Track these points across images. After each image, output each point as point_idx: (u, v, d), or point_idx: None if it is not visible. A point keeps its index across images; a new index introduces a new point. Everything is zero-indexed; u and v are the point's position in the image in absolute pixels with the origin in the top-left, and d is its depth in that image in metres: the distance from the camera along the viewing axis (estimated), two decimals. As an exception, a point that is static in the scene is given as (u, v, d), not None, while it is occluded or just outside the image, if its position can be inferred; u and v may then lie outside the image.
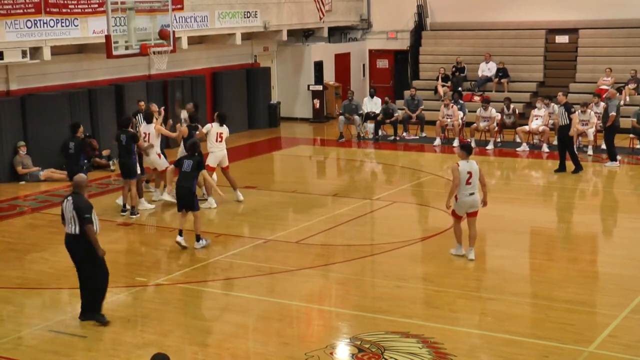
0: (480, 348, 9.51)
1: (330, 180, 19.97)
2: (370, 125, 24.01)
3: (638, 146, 20.67)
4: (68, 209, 10.10)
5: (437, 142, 22.64)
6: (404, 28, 28.87)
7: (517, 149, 21.57)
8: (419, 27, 28.48)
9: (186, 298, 11.41)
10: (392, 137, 23.48)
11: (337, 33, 29.87)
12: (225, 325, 10.38)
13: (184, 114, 18.47)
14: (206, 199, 16.07)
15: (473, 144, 22.00)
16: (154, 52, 18.74)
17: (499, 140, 22.46)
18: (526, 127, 21.99)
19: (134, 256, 13.49)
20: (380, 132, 23.75)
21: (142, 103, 19.14)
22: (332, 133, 24.85)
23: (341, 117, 23.89)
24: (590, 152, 20.58)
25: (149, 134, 16.37)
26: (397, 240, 13.72)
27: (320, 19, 27.53)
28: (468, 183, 12.38)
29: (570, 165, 18.60)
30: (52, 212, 16.14)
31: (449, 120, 22.76)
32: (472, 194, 12.47)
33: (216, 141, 16.18)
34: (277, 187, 18.15)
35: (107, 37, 17.52)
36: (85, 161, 16.13)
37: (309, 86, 27.48)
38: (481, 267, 12.62)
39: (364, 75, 29.30)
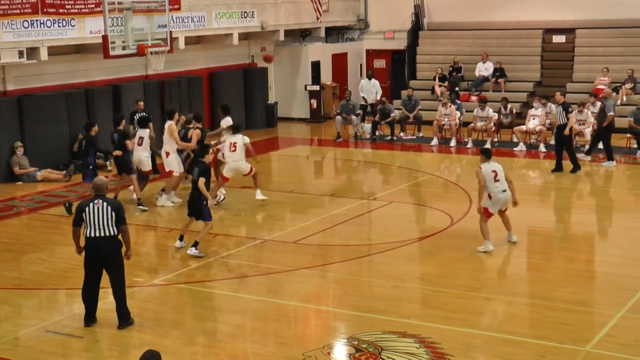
0: (477, 348, 9.52)
1: (327, 180, 19.98)
2: (367, 126, 24.02)
3: (635, 146, 20.67)
4: (100, 212, 9.93)
5: (435, 142, 22.64)
6: (401, 28, 28.88)
7: (515, 149, 21.59)
8: (416, 27, 28.49)
9: (184, 298, 11.41)
10: (389, 137, 23.49)
11: (334, 33, 29.86)
12: (223, 325, 10.37)
13: (224, 122, 17.35)
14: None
15: (470, 144, 22.05)
16: (151, 53, 18.75)
17: (496, 140, 22.46)
18: (523, 127, 21.99)
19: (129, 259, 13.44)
20: (377, 132, 23.74)
21: (142, 103, 19.20)
22: (329, 133, 24.85)
23: (338, 117, 23.89)
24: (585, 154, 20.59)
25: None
26: (394, 240, 13.72)
27: (318, 19, 27.52)
28: (496, 180, 12.83)
29: (567, 164, 18.60)
30: (49, 212, 16.15)
31: (446, 120, 22.77)
32: (504, 190, 12.89)
33: (229, 151, 15.96)
34: (274, 187, 18.13)
35: (104, 37, 17.52)
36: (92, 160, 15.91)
37: (306, 86, 27.48)
38: (479, 267, 12.63)
39: (361, 75, 29.28)
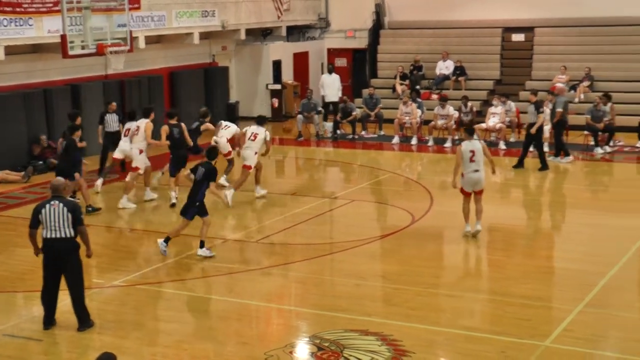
0: (439, 344, 9.58)
1: (288, 179, 19.96)
2: (329, 124, 24.05)
3: (592, 143, 20.94)
4: (56, 213, 9.81)
5: (396, 140, 22.73)
6: (362, 27, 28.96)
7: (444, 146, 21.74)
8: (377, 26, 28.60)
9: (144, 299, 11.32)
10: (351, 136, 23.54)
11: (296, 32, 29.86)
12: (184, 325, 10.31)
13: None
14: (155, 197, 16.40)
15: (431, 142, 22.17)
16: (110, 52, 18.61)
17: (456, 138, 22.60)
18: (483, 125, 22.16)
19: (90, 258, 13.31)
20: (338, 131, 23.79)
21: (114, 104, 19.21)
22: (290, 132, 24.83)
23: (300, 116, 23.89)
24: (545, 148, 20.80)
25: (139, 127, 16.42)
26: (356, 238, 13.75)
27: (279, 18, 27.50)
28: (472, 161, 13.33)
29: (529, 162, 18.80)
30: (7, 214, 15.93)
31: (407, 118, 22.87)
32: (476, 170, 13.39)
33: (249, 139, 16.39)
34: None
35: (63, 37, 17.37)
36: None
37: (267, 85, 27.44)
38: (439, 264, 12.72)
39: (322, 73, 29.29)
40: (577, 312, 10.32)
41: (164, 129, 16.12)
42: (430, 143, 22.21)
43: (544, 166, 18.78)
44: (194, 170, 12.94)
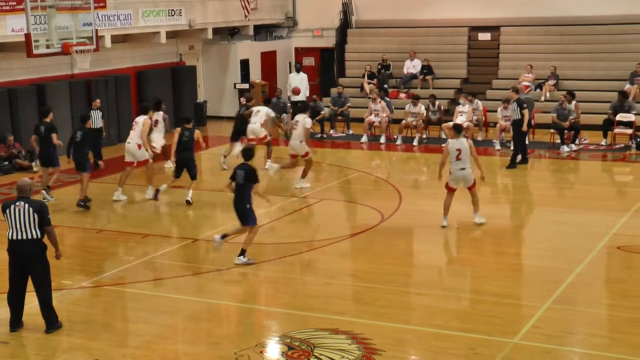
0: (409, 342, 9.62)
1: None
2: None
3: (558, 141, 21.15)
4: (21, 214, 9.70)
5: (364, 139, 22.77)
6: (330, 26, 28.98)
7: (443, 145, 21.75)
8: (345, 25, 28.63)
9: (113, 300, 11.24)
10: (319, 135, 23.54)
11: (263, 31, 29.79)
12: (153, 326, 10.24)
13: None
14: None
15: (399, 141, 22.24)
16: (76, 51, 18.43)
17: (424, 136, 22.73)
18: (450, 124, 22.24)
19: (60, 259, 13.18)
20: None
21: (98, 101, 19.76)
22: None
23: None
24: (512, 147, 20.99)
25: (137, 123, 16.67)
26: (326, 237, 13.77)
27: (246, 17, 27.42)
28: (458, 159, 13.74)
29: (503, 161, 19.01)
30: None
31: (375, 117, 22.87)
32: (462, 168, 13.80)
33: (292, 128, 17.32)
34: (204, 186, 18.00)
35: (27, 36, 17.18)
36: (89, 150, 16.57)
37: (235, 84, 27.36)
38: (409, 262, 12.77)
39: (290, 73, 29.28)
40: (545, 309, 10.42)
41: (177, 131, 16.40)
42: (399, 142, 22.28)
43: (524, 160, 19.16)
44: (233, 177, 12.57)
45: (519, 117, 18.96)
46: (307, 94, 24.84)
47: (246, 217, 12.49)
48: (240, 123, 19.18)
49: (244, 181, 12.38)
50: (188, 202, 16.12)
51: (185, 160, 16.26)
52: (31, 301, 10.14)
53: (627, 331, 9.74)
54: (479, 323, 10.00)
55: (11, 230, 9.77)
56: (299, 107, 17.73)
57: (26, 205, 9.75)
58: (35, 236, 9.74)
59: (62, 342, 9.71)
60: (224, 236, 12.66)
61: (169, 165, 18.63)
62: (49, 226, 9.85)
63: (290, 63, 29.75)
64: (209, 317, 10.53)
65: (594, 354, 9.14)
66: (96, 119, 19.06)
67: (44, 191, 16.35)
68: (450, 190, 14.10)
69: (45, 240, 9.88)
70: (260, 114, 18.80)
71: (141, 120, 16.75)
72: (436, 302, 10.85)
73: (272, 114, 19.02)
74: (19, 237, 9.73)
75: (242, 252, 12.46)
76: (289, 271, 12.35)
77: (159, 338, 9.82)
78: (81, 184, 16.07)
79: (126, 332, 10.11)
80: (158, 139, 18.66)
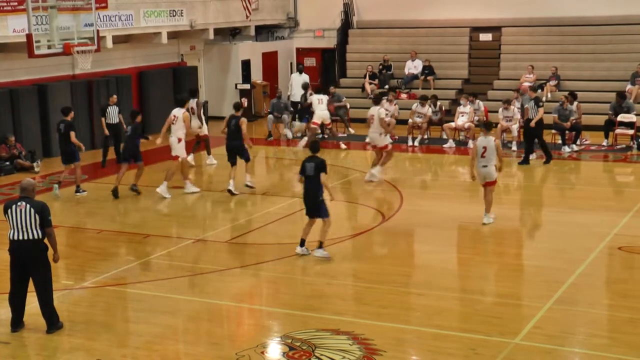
0: (409, 342, 9.63)
1: (259, 179, 19.86)
2: (298, 124, 24.02)
3: (559, 141, 21.14)
4: (22, 214, 9.69)
5: (368, 139, 22.64)
6: (331, 26, 29.00)
7: (444, 146, 21.87)
8: (346, 25, 28.65)
9: (114, 300, 11.24)
10: (321, 135, 23.52)
11: (264, 32, 29.82)
12: (154, 326, 10.25)
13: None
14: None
15: (416, 142, 22.08)
16: (77, 52, 18.45)
17: (425, 137, 22.72)
18: (452, 124, 22.30)
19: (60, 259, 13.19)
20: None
21: (115, 97, 20.35)
22: (260, 132, 24.78)
23: (270, 116, 23.86)
24: (514, 147, 21.02)
25: (177, 117, 16.91)
26: (327, 237, 13.73)
27: (247, 17, 27.45)
28: (482, 156, 14.10)
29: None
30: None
31: (387, 117, 22.73)
32: (484, 166, 14.16)
33: (370, 122, 17.64)
34: (205, 186, 18.03)
35: (28, 36, 17.20)
36: (74, 147, 16.88)
37: (236, 85, 27.38)
38: (409, 262, 12.77)
39: (291, 73, 29.29)
40: (546, 309, 10.41)
41: (226, 119, 17.08)
42: (416, 143, 22.12)
43: (548, 158, 19.34)
44: (302, 170, 12.67)
45: (536, 115, 19.07)
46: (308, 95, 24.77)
47: (318, 209, 12.60)
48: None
49: (315, 172, 12.47)
50: (248, 186, 17.04)
51: (235, 148, 16.81)
52: (32, 301, 10.15)
53: (628, 332, 9.74)
54: (479, 323, 10.00)
55: (12, 230, 9.77)
56: (372, 99, 18.55)
57: (28, 206, 9.76)
58: (36, 237, 9.74)
59: (63, 343, 9.71)
60: (320, 246, 12.58)
61: (211, 161, 19.92)
62: (49, 228, 9.85)
63: (291, 63, 29.76)
64: (210, 317, 10.53)
65: (594, 354, 9.14)
66: (113, 114, 19.73)
67: (77, 192, 17.02)
68: (482, 186, 14.59)
69: (46, 241, 9.89)
70: (323, 102, 20.90)
71: (180, 114, 16.93)
72: (437, 302, 10.84)
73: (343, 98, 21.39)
74: (20, 238, 9.73)
75: (320, 245, 12.55)
76: (290, 271, 12.35)
77: (159, 338, 9.82)
78: (138, 171, 16.92)
79: (127, 332, 10.11)
80: (195, 125, 19.15)
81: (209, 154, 20.24)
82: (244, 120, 16.79)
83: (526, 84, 23.96)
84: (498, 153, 14.22)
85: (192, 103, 19.01)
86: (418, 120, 22.52)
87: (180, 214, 15.81)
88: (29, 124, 20.63)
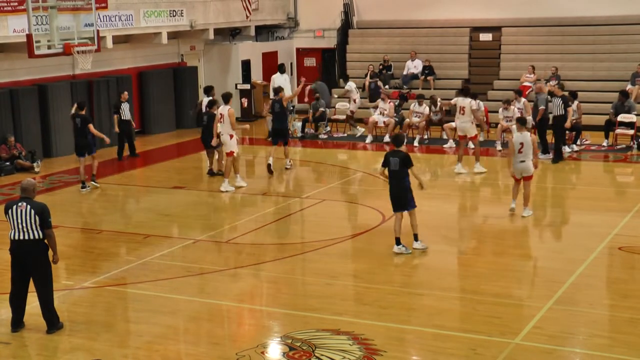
0: (409, 343, 9.63)
1: (259, 179, 19.89)
2: (298, 124, 24.06)
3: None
4: (23, 214, 9.69)
5: (369, 139, 22.69)
6: (331, 26, 29.01)
7: (444, 146, 21.86)
8: (346, 26, 28.65)
9: (114, 300, 11.25)
10: (322, 135, 23.59)
11: (264, 32, 29.82)
12: (155, 327, 10.25)
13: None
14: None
15: (416, 142, 22.13)
16: (77, 52, 18.45)
17: (425, 137, 22.71)
18: (452, 124, 22.25)
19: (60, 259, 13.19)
20: (306, 130, 23.84)
21: (126, 93, 20.75)
22: (260, 132, 24.78)
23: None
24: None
25: (223, 115, 17.02)
26: (327, 237, 13.76)
27: (247, 17, 27.45)
28: (520, 152, 14.59)
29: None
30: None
31: (381, 116, 22.76)
32: (522, 161, 14.64)
33: (459, 114, 18.37)
34: (205, 186, 18.04)
35: (29, 36, 17.20)
36: (91, 137, 17.35)
37: (236, 85, 27.37)
38: (410, 262, 12.77)
39: (291, 73, 29.31)
40: (547, 309, 10.42)
41: (267, 102, 17.56)
42: (416, 143, 22.16)
43: (558, 158, 19.56)
44: (385, 164, 12.80)
45: (562, 112, 19.21)
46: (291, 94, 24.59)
47: (407, 202, 12.77)
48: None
49: (400, 166, 12.59)
50: (287, 168, 18.71)
51: (280, 129, 18.40)
52: (32, 301, 10.16)
53: (628, 332, 9.74)
54: (479, 323, 10.00)
55: (13, 230, 9.78)
56: (461, 91, 19.30)
57: (28, 206, 9.76)
58: (36, 237, 9.75)
59: (63, 343, 9.72)
60: (416, 238, 12.90)
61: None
62: (49, 229, 9.84)
63: (291, 63, 29.76)
64: (210, 317, 10.53)
65: (594, 354, 9.14)
66: (126, 111, 20.19)
67: (92, 182, 17.51)
68: (516, 180, 14.89)
69: (46, 241, 9.89)
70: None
71: (226, 111, 17.03)
72: (437, 302, 10.84)
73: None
74: (21, 238, 9.73)
75: (416, 237, 12.85)
76: (290, 272, 12.36)
77: (160, 338, 9.82)
78: (219, 155, 18.09)
79: (127, 332, 10.12)
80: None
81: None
82: (286, 97, 18.52)
83: (525, 84, 23.96)
84: (534, 148, 14.67)
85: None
86: (415, 120, 22.53)
87: (180, 214, 15.80)
88: (29, 124, 20.63)
